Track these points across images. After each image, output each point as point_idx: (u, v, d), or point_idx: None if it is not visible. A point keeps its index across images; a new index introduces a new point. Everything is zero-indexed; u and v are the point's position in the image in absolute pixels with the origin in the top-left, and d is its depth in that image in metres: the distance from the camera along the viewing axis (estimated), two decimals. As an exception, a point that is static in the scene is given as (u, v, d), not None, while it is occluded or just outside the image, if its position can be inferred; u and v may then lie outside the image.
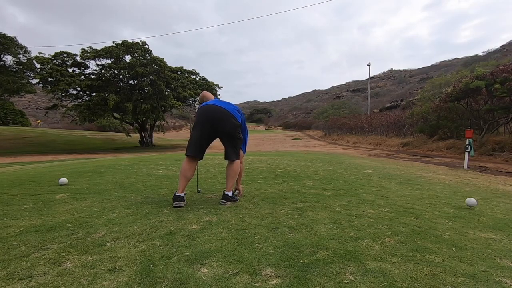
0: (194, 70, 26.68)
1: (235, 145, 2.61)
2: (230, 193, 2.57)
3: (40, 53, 20.97)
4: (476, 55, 59.35)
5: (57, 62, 21.00)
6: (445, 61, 76.77)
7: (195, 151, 2.52)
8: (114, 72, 21.76)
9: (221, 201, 2.53)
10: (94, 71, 22.48)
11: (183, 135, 43.89)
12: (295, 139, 32.16)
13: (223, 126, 2.53)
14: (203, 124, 2.53)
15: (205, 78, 27.50)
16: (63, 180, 3.26)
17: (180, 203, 2.38)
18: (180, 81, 24.41)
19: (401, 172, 5.60)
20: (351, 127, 29.18)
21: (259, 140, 30.79)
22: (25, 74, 23.08)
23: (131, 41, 22.06)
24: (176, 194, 2.42)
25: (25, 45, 22.18)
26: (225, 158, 2.63)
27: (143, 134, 25.55)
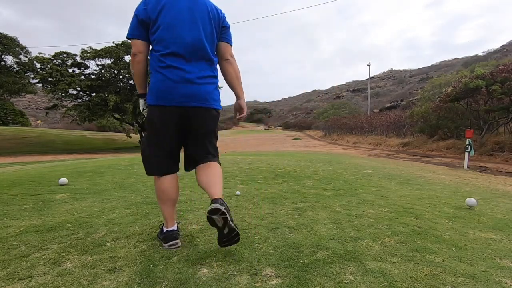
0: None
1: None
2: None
3: (40, 53, 21.06)
4: (476, 55, 59.49)
5: (57, 62, 21.05)
6: (445, 61, 76.96)
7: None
8: (114, 72, 21.78)
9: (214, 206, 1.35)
10: (94, 71, 22.53)
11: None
12: (295, 139, 32.18)
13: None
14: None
15: (205, 78, 27.48)
16: (63, 180, 3.26)
17: (177, 243, 1.54)
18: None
19: (401, 172, 5.60)
20: (351, 127, 29.19)
21: (259, 140, 30.78)
22: (26, 74, 23.10)
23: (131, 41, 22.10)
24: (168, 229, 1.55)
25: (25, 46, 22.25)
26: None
27: (143, 134, 25.57)
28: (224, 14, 1.60)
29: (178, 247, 1.52)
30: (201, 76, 1.48)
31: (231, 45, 1.64)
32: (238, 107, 1.72)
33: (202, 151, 1.59)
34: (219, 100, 1.60)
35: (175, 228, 1.57)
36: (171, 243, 1.51)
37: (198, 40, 1.46)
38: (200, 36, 1.46)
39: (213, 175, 1.53)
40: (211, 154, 1.62)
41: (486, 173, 7.16)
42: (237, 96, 1.69)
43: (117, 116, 24.72)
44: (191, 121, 1.50)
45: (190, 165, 1.64)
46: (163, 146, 1.52)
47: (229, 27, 1.62)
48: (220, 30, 1.57)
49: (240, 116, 1.72)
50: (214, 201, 1.38)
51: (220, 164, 1.64)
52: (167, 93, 1.43)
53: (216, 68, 1.60)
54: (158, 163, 1.54)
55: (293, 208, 2.41)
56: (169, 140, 1.52)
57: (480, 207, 2.69)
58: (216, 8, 1.56)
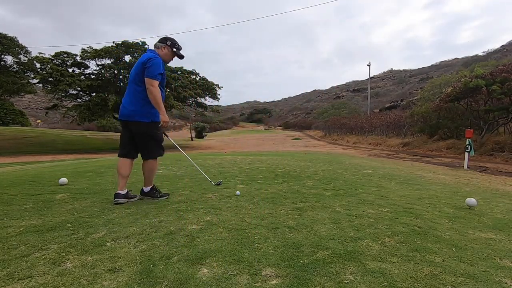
0: (194, 70, 26.71)
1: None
2: (147, 189, 2.75)
3: (40, 53, 21.03)
4: (476, 55, 59.53)
5: (57, 62, 21.01)
6: (445, 61, 77.04)
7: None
8: (114, 72, 21.77)
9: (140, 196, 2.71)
10: (94, 71, 22.50)
11: (183, 135, 43.86)
12: (295, 139, 32.18)
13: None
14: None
15: (205, 78, 27.51)
16: (63, 180, 3.26)
17: (118, 200, 2.49)
18: (180, 81, 24.41)
19: (401, 172, 5.60)
20: (351, 127, 29.19)
21: (259, 140, 30.78)
22: (26, 74, 23.09)
23: (131, 41, 22.09)
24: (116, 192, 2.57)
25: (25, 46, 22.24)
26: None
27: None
28: (150, 59, 2.45)
29: (120, 203, 2.49)
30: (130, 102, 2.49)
31: (150, 78, 2.41)
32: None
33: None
34: (145, 114, 2.49)
35: (121, 192, 2.55)
36: (117, 199, 2.50)
37: (130, 82, 2.52)
38: (131, 78, 2.51)
39: (144, 171, 2.74)
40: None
41: (486, 173, 7.16)
42: (159, 113, 2.58)
43: (117, 116, 24.72)
44: (132, 130, 2.53)
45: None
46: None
47: (150, 66, 2.41)
48: (144, 70, 2.43)
49: (162, 126, 2.66)
50: (141, 192, 2.78)
51: (153, 158, 2.71)
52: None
53: (142, 94, 2.46)
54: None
55: (293, 208, 2.41)
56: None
57: (480, 207, 2.69)
58: (146, 57, 2.47)
